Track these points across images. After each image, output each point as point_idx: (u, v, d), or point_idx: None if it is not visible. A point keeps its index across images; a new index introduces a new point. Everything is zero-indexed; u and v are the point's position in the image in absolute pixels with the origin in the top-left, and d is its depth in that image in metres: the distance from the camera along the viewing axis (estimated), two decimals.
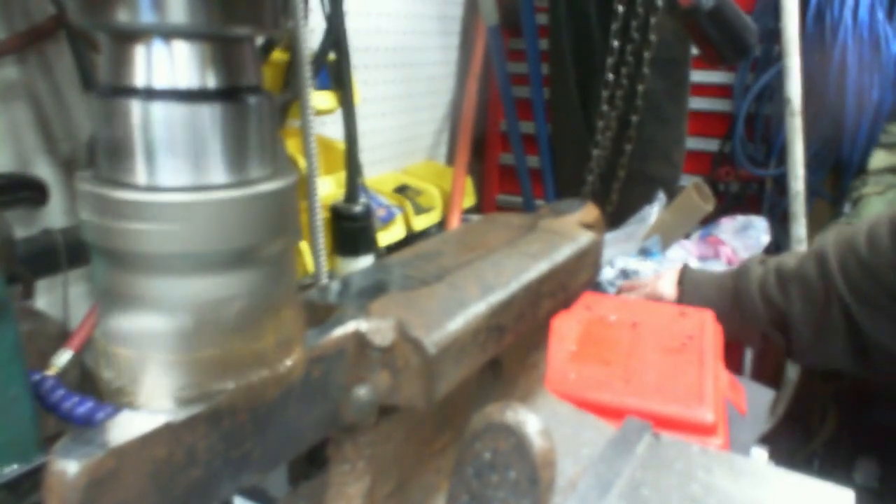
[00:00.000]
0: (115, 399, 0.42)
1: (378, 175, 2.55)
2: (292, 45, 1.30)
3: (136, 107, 0.38)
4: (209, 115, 0.39)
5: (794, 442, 2.31)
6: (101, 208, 0.39)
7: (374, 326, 0.52)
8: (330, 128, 2.16)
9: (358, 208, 1.82)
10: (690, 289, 1.51)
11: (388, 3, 2.47)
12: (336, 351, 0.51)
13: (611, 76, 2.18)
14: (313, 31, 1.82)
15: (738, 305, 1.45)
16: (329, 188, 1.97)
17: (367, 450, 0.56)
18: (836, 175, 2.71)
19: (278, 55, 1.65)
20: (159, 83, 0.39)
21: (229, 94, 0.40)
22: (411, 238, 2.21)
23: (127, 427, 0.39)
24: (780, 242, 2.73)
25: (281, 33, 0.42)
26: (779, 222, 2.73)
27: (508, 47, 2.93)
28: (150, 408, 0.41)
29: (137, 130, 0.39)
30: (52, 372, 0.97)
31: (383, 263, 0.66)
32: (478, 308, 0.58)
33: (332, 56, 1.75)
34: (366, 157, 2.45)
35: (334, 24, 1.68)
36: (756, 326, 1.44)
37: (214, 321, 0.41)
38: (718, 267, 1.90)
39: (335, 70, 1.80)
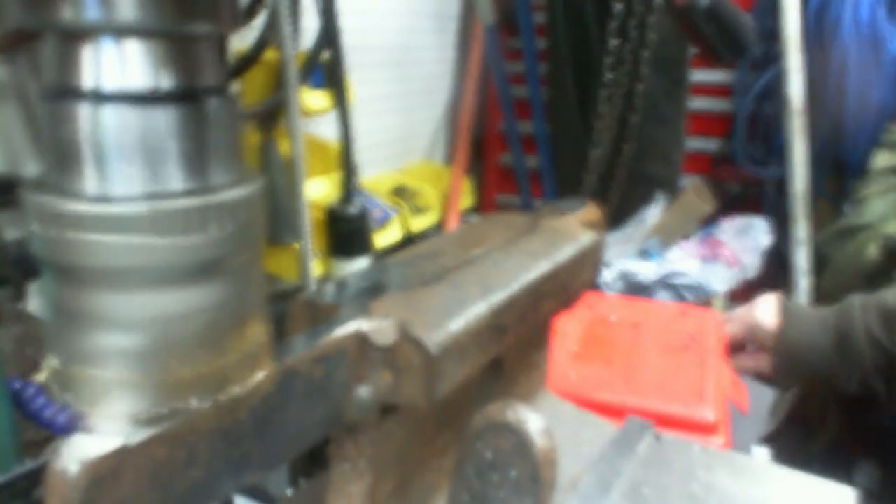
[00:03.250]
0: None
1: (375, 175, 2.54)
2: (278, 43, 1.29)
3: (84, 110, 0.36)
4: (164, 119, 0.37)
5: (795, 444, 2.30)
6: (50, 220, 0.37)
7: (376, 326, 0.52)
8: (325, 128, 2.16)
9: (353, 209, 1.82)
10: (793, 320, 1.39)
11: (384, 1, 2.46)
12: (337, 351, 0.51)
13: (609, 75, 2.18)
14: (307, 30, 1.82)
15: (840, 346, 1.34)
16: (324, 189, 1.97)
17: (368, 449, 0.56)
18: (838, 175, 2.70)
19: (271, 55, 1.65)
20: (109, 85, 0.36)
21: (186, 96, 0.38)
22: (408, 239, 2.21)
23: (79, 450, 0.36)
24: (780, 243, 2.72)
25: (239, 30, 0.40)
26: (780, 223, 2.72)
27: (506, 46, 2.93)
28: (109, 430, 0.38)
29: (87, 136, 0.36)
30: (42, 376, 0.96)
31: (384, 263, 0.66)
32: (479, 308, 0.57)
33: (326, 55, 1.75)
34: (362, 157, 2.44)
35: (328, 22, 1.68)
36: (857, 372, 1.34)
37: (175, 338, 0.39)
38: (718, 267, 1.90)
39: (329, 69, 1.80)
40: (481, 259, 0.66)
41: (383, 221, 2.09)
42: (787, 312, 1.40)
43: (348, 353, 0.51)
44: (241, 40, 1.80)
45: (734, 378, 1.16)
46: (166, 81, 0.37)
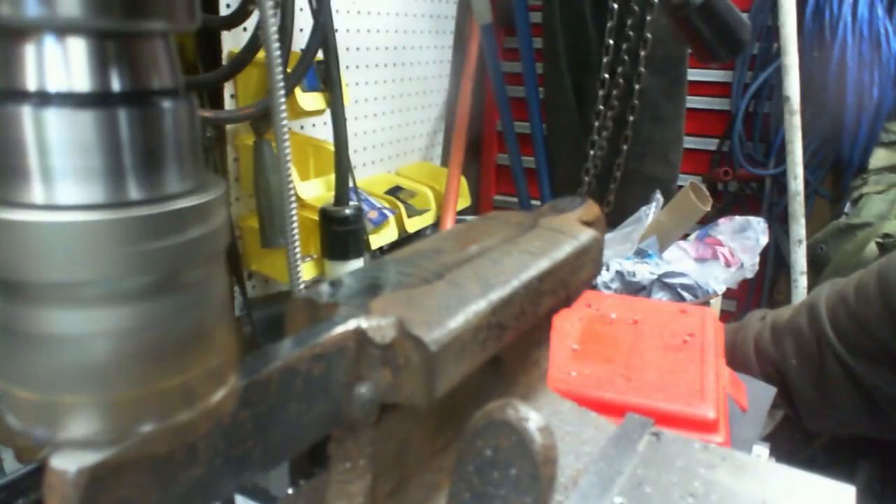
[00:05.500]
0: (22, 454, 0.37)
1: (370, 176, 2.54)
2: (263, 42, 1.29)
3: (27, 114, 0.33)
4: (114, 123, 0.34)
5: (795, 444, 2.30)
6: None
7: (375, 324, 0.52)
8: (320, 129, 2.16)
9: (348, 211, 1.81)
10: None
11: (379, 1, 2.46)
12: (337, 349, 0.50)
13: (606, 75, 2.18)
14: (301, 30, 1.81)
15: (734, 359, 1.41)
16: (319, 190, 1.96)
17: (368, 448, 0.56)
18: (836, 174, 2.71)
19: (264, 55, 1.65)
20: (54, 86, 0.34)
21: (138, 97, 0.35)
22: (404, 240, 2.20)
23: (71, 458, 0.35)
24: (779, 243, 2.73)
25: (195, 27, 0.38)
26: (778, 222, 2.73)
27: (502, 46, 2.93)
28: (59, 456, 0.36)
29: (30, 141, 0.34)
30: None
31: (383, 261, 0.65)
32: (478, 306, 0.57)
33: (320, 56, 1.75)
34: (358, 158, 2.44)
35: (321, 22, 1.67)
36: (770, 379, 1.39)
37: (130, 356, 0.36)
38: (716, 267, 1.90)
39: (323, 70, 1.79)
40: (481, 257, 0.66)
41: (380, 222, 2.08)
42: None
43: (347, 352, 0.51)
44: (235, 41, 1.80)
45: (733, 376, 1.16)
46: (116, 82, 0.35)
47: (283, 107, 1.34)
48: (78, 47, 0.34)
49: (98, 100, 0.34)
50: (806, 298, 1.41)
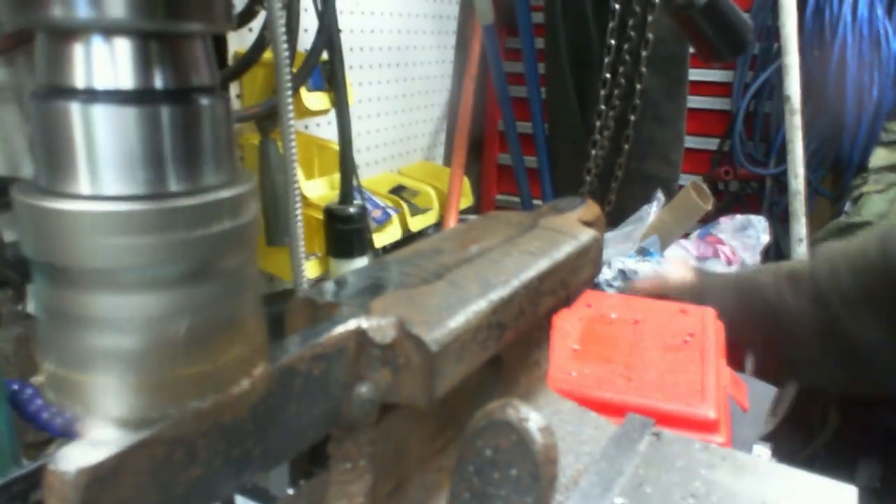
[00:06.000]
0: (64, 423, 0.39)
1: (374, 176, 2.55)
2: (271, 42, 1.29)
3: (76, 110, 0.35)
4: (156, 119, 0.36)
5: (796, 442, 2.30)
6: (41, 220, 0.36)
7: (375, 324, 0.52)
8: (325, 129, 2.16)
9: (352, 210, 1.82)
10: (706, 277, 1.52)
11: (383, 2, 2.46)
12: (337, 349, 0.50)
13: (608, 75, 2.18)
14: (307, 30, 1.82)
15: (748, 297, 1.45)
16: (323, 189, 1.97)
17: (368, 448, 0.56)
18: (837, 173, 2.71)
19: (271, 56, 1.66)
20: (101, 84, 0.35)
21: (179, 95, 0.37)
22: (408, 239, 2.21)
23: (78, 451, 0.36)
24: (780, 242, 2.73)
25: (232, 29, 0.39)
26: (779, 221, 2.73)
27: (504, 46, 2.93)
28: (102, 435, 0.38)
29: (78, 135, 0.36)
30: (40, 379, 0.96)
31: (384, 261, 0.66)
32: (479, 305, 0.57)
33: (325, 56, 1.75)
34: (362, 157, 2.45)
35: (326, 23, 1.68)
36: (762, 322, 1.44)
37: (168, 341, 0.38)
38: (718, 266, 1.90)
39: (328, 70, 1.80)
40: (481, 257, 0.66)
41: (383, 221, 2.09)
42: (699, 271, 1.56)
43: (348, 351, 0.51)
44: (241, 41, 1.80)
45: (734, 376, 1.16)
46: (159, 80, 0.37)
47: (290, 106, 1.35)
48: (123, 47, 0.35)
49: (142, 97, 0.36)
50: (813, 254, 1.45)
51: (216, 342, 0.40)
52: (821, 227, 2.47)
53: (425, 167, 2.77)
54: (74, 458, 0.36)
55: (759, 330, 1.45)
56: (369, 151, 2.55)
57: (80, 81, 0.35)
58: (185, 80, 0.38)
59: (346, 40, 1.90)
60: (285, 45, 1.29)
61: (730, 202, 2.91)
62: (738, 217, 2.11)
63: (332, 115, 1.83)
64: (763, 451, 1.02)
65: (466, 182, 2.55)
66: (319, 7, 1.68)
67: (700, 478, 0.68)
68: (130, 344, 0.37)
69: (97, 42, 0.35)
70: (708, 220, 2.13)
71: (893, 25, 2.48)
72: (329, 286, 0.59)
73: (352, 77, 2.30)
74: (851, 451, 2.17)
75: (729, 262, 1.92)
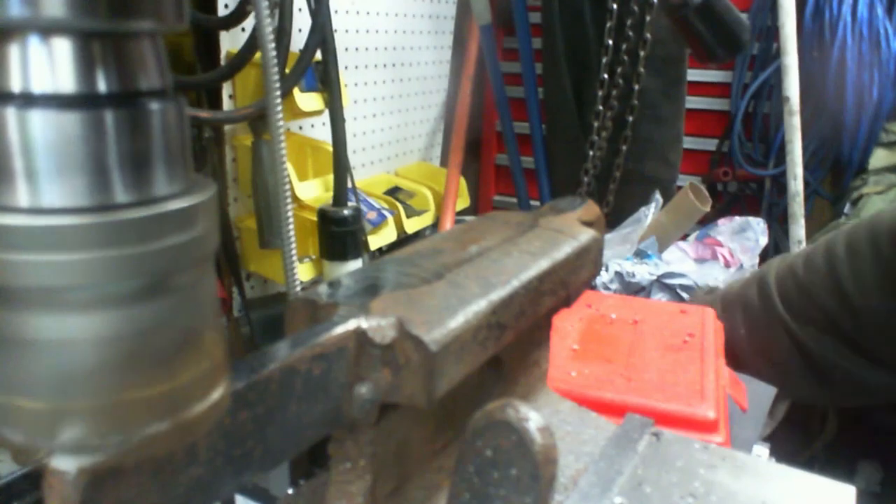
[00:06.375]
0: (19, 456, 0.36)
1: (370, 177, 2.54)
2: (259, 43, 1.28)
3: (11, 116, 0.33)
4: (101, 124, 0.33)
5: (795, 445, 2.30)
6: None
7: (375, 324, 0.52)
8: (319, 129, 2.16)
9: (346, 211, 1.81)
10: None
11: (379, 2, 2.46)
12: (337, 349, 0.50)
13: (606, 75, 2.18)
14: (301, 30, 1.81)
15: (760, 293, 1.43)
16: (317, 191, 1.96)
17: (368, 448, 0.56)
18: (836, 174, 2.71)
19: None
20: (38, 88, 0.33)
21: (125, 99, 0.34)
22: (403, 241, 2.20)
23: (70, 458, 0.35)
24: (779, 243, 2.73)
25: (184, 27, 0.37)
26: (778, 223, 2.73)
27: (502, 46, 2.93)
28: (59, 457, 0.36)
29: (14, 143, 0.33)
30: None
31: (383, 261, 0.66)
32: (479, 306, 0.57)
33: (319, 56, 1.75)
34: (357, 158, 2.44)
35: (319, 23, 1.67)
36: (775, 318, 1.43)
37: (121, 360, 0.35)
38: (715, 268, 1.90)
39: (321, 71, 1.79)
40: (481, 257, 0.66)
41: (378, 223, 2.09)
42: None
43: (348, 352, 0.51)
44: (234, 41, 1.80)
45: (733, 376, 1.16)
46: (103, 83, 0.34)
47: (279, 107, 1.34)
48: (63, 48, 0.33)
49: (84, 101, 0.33)
50: (755, 271, 1.44)
51: (171, 362, 0.37)
52: (820, 229, 2.47)
53: (422, 168, 2.77)
54: (75, 458, 0.35)
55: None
56: (365, 152, 2.54)
57: (15, 85, 0.33)
58: (132, 82, 0.35)
59: (342, 40, 1.90)
60: (272, 45, 1.28)
61: (728, 203, 2.91)
62: (737, 219, 2.11)
63: (327, 115, 1.82)
64: (762, 451, 1.02)
65: (463, 183, 2.55)
66: (313, 6, 1.67)
67: (699, 478, 0.68)
68: (76, 366, 0.35)
69: (34, 43, 0.33)
70: (706, 221, 2.13)
71: (893, 26, 2.48)
72: (328, 286, 0.59)
73: (347, 77, 2.30)
74: (851, 455, 2.17)
75: (727, 265, 1.92)
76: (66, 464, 0.35)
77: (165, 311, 0.37)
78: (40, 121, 0.33)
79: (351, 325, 0.52)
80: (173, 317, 0.37)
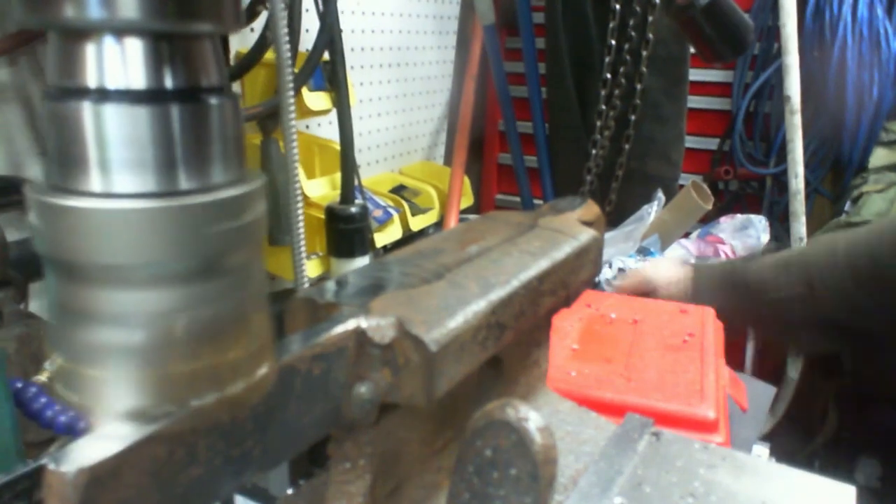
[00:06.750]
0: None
1: (375, 175, 2.55)
2: (274, 43, 1.29)
3: (87, 109, 0.36)
4: (166, 118, 0.37)
5: (795, 441, 2.31)
6: (53, 218, 0.37)
7: (375, 324, 0.52)
8: (326, 128, 2.16)
9: (354, 209, 1.82)
10: (697, 274, 1.53)
11: (383, 2, 2.47)
12: (336, 349, 0.51)
13: (608, 75, 2.18)
14: (308, 30, 1.82)
15: (740, 291, 1.46)
16: (324, 189, 1.97)
17: (367, 448, 0.56)
18: (836, 173, 2.72)
19: (272, 56, 1.66)
20: (112, 84, 0.36)
21: (189, 94, 0.38)
22: (408, 239, 2.21)
23: (78, 450, 0.36)
24: (780, 241, 2.73)
25: (241, 29, 0.40)
26: (779, 221, 2.73)
27: (505, 46, 2.92)
28: (111, 429, 0.38)
29: (90, 134, 0.36)
30: (44, 376, 0.96)
31: (383, 261, 0.66)
32: (478, 305, 0.57)
33: (326, 56, 1.75)
34: (362, 157, 2.45)
35: (328, 23, 1.68)
36: (755, 312, 1.46)
37: (177, 335, 0.39)
38: None
39: (329, 70, 1.80)
40: (480, 257, 0.66)
41: (384, 221, 2.09)
42: (691, 269, 1.56)
43: (347, 352, 0.51)
44: (243, 41, 1.80)
45: (733, 376, 1.16)
46: (169, 80, 0.37)
47: (293, 107, 1.35)
48: (135, 47, 0.36)
49: (152, 96, 0.37)
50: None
51: (222, 339, 0.41)
52: (821, 227, 2.47)
53: (426, 167, 2.77)
54: (74, 458, 0.36)
55: (753, 318, 1.49)
56: (370, 151, 2.55)
57: (91, 81, 0.36)
58: (195, 79, 0.38)
59: (347, 40, 1.91)
60: (287, 46, 1.29)
61: (730, 202, 2.91)
62: (739, 216, 2.11)
63: (333, 114, 1.83)
64: (762, 451, 1.03)
65: (467, 182, 2.55)
66: (321, 7, 1.68)
67: (699, 478, 0.68)
68: (138, 339, 0.38)
69: (109, 42, 0.36)
70: (708, 219, 2.14)
71: (893, 26, 2.48)
72: (329, 286, 0.59)
73: (353, 77, 2.30)
74: (851, 451, 2.17)
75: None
76: (66, 463, 0.35)
77: (219, 290, 0.40)
78: (113, 114, 0.36)
79: (351, 324, 0.52)
80: (226, 296, 0.41)
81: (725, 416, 0.98)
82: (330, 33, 1.69)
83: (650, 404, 0.95)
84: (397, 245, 2.13)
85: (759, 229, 2.04)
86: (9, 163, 1.46)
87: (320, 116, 2.04)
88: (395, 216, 2.16)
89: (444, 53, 2.91)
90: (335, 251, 1.86)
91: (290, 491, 0.64)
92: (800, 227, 2.35)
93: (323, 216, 1.85)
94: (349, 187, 1.81)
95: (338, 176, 1.84)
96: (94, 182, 0.37)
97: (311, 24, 1.78)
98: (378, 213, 2.08)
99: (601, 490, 0.64)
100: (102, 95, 0.36)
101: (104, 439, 0.37)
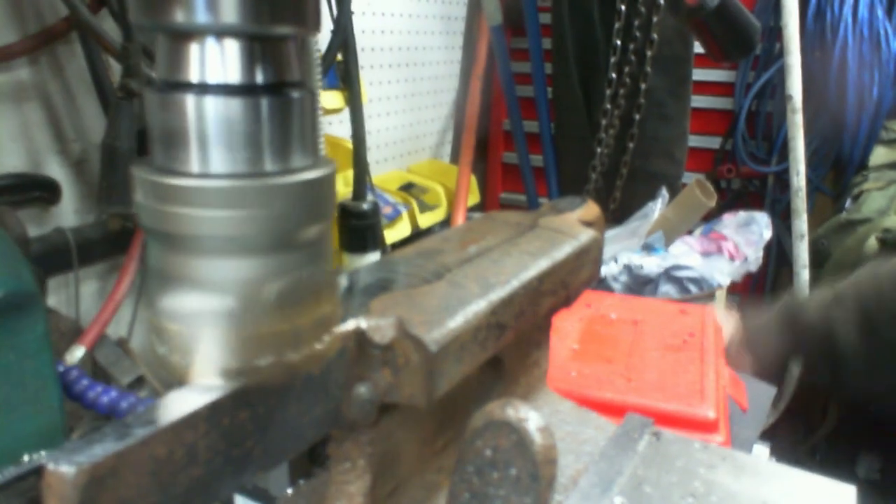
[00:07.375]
0: (168, 371, 0.44)
1: (384, 173, 2.57)
2: None
3: (190, 100, 0.41)
4: (256, 108, 0.42)
5: (796, 436, 2.31)
6: (156, 194, 0.42)
7: (375, 324, 0.52)
8: (338, 127, 2.17)
9: (366, 206, 1.84)
10: (750, 324, 1.52)
11: (393, 3, 2.48)
12: (337, 349, 0.51)
13: (613, 74, 2.19)
14: (322, 32, 1.83)
15: (790, 322, 1.46)
16: (337, 186, 1.97)
17: (367, 448, 0.56)
18: (837, 171, 2.73)
19: None
20: (212, 79, 0.41)
21: (275, 88, 0.43)
22: (417, 235, 2.23)
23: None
24: (781, 238, 2.74)
25: (319, 32, 0.45)
26: (780, 218, 2.75)
27: (511, 46, 2.93)
28: (199, 380, 0.43)
29: (191, 122, 0.41)
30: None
31: (383, 261, 0.66)
32: (478, 306, 0.57)
33: (339, 56, 1.76)
34: (372, 155, 2.46)
35: (341, 25, 1.69)
36: (811, 355, 1.46)
37: (258, 300, 0.44)
38: (721, 261, 1.90)
39: (342, 70, 1.81)
40: (481, 257, 0.66)
41: (393, 217, 2.11)
42: (741, 321, 1.54)
43: (347, 352, 0.51)
44: None
45: (733, 376, 1.16)
46: (259, 76, 0.42)
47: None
48: (232, 47, 0.41)
49: (246, 90, 0.42)
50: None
51: (301, 302, 0.46)
52: (822, 224, 2.48)
53: (433, 165, 2.79)
54: (73, 458, 0.36)
55: (809, 362, 1.49)
56: (379, 149, 2.57)
57: (194, 76, 0.41)
58: (281, 75, 0.43)
59: (357, 41, 1.92)
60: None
61: (732, 199, 2.92)
62: (741, 213, 2.12)
63: (345, 113, 1.84)
64: (762, 451, 1.03)
65: (474, 180, 2.56)
66: (335, 10, 1.69)
67: (699, 478, 0.68)
68: (226, 302, 0.43)
69: (210, 43, 0.41)
70: (711, 216, 2.14)
71: (893, 26, 2.49)
72: (347, 278, 0.59)
73: (363, 77, 2.31)
74: (852, 445, 2.18)
75: (732, 258, 1.92)
76: (65, 464, 0.35)
77: (297, 261, 0.45)
78: (212, 105, 0.41)
79: (350, 324, 0.52)
80: (303, 267, 0.46)
81: (725, 416, 0.98)
82: (344, 34, 1.71)
83: (650, 404, 0.95)
84: (406, 241, 2.15)
85: (761, 226, 2.04)
86: (29, 160, 1.46)
87: (332, 115, 2.05)
88: (405, 213, 2.18)
89: (452, 54, 2.92)
90: (347, 246, 1.88)
91: (290, 491, 0.64)
92: (801, 224, 2.35)
93: (336, 212, 1.86)
94: (361, 184, 1.82)
95: (350, 173, 1.86)
96: (194, 163, 0.42)
97: (324, 25, 1.79)
98: (388, 209, 2.10)
99: (601, 490, 0.64)
100: (203, 89, 0.41)
101: (194, 392, 0.42)
